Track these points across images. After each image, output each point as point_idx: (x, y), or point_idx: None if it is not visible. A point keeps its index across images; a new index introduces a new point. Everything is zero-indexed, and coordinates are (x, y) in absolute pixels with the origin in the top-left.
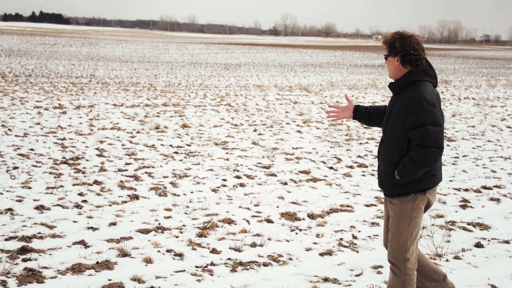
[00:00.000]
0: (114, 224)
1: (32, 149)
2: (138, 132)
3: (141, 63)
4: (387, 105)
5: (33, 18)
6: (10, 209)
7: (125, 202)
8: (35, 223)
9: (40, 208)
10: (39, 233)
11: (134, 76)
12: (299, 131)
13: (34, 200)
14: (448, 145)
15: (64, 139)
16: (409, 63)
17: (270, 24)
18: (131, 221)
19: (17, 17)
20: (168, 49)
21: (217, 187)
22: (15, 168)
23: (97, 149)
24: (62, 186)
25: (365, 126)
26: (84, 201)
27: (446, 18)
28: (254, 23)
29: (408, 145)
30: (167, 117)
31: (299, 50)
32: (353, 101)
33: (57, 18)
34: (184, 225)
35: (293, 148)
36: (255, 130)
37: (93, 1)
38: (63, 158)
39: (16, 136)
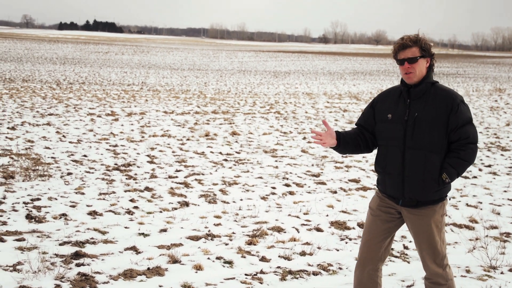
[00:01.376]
0: (164, 230)
1: (85, 156)
2: (188, 139)
3: (191, 70)
4: (396, 111)
5: (87, 26)
6: (64, 214)
7: (176, 208)
8: (88, 228)
9: (93, 213)
10: (92, 238)
11: (184, 84)
12: None
13: (87, 205)
14: (502, 154)
15: (116, 145)
16: (433, 64)
17: (320, 32)
18: (181, 228)
19: (72, 26)
20: (218, 57)
21: (267, 195)
22: (69, 174)
23: (148, 156)
24: (114, 192)
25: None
26: (136, 207)
27: (501, 25)
28: (304, 30)
29: (447, 147)
30: (217, 125)
31: (349, 58)
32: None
33: (110, 27)
34: (233, 233)
35: (342, 156)
36: (304, 138)
37: (145, 10)
38: (115, 164)
39: (70, 142)
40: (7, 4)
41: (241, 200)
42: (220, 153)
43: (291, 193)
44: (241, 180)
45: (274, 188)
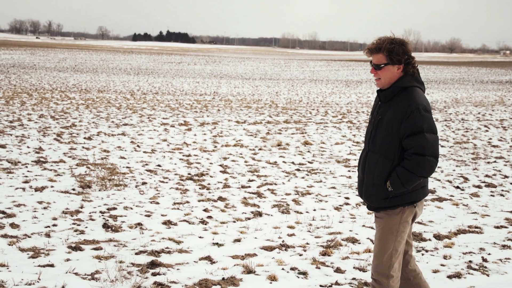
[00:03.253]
0: (238, 240)
1: (159, 165)
2: (260, 149)
3: (262, 80)
4: (373, 113)
5: (160, 37)
6: (139, 224)
7: (249, 218)
8: (163, 238)
9: (168, 223)
10: (167, 248)
11: (256, 93)
12: None
13: (162, 215)
14: None
15: (189, 155)
16: (409, 69)
17: None
18: (255, 238)
19: (146, 37)
20: (289, 66)
21: (340, 205)
22: (143, 183)
23: (220, 165)
24: (188, 202)
25: (493, 144)
26: (209, 217)
27: None
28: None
29: (401, 154)
30: (289, 134)
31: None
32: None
33: (183, 37)
34: (307, 243)
35: None
36: None
37: (217, 20)
38: (189, 174)
39: (144, 152)
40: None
41: (315, 210)
42: (293, 163)
43: (365, 203)
44: (314, 190)
45: (347, 198)
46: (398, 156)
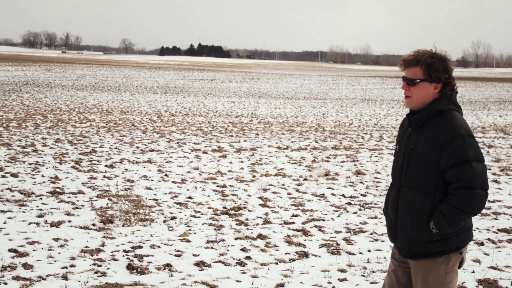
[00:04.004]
0: (281, 285)
1: (190, 197)
2: (305, 179)
3: (307, 100)
4: (401, 142)
5: (191, 51)
6: (168, 265)
7: (293, 260)
8: (195, 281)
9: (200, 264)
10: None
11: (300, 115)
12: (496, 181)
13: (194, 255)
14: None
15: (224, 186)
16: (449, 91)
17: (458, 54)
18: (301, 282)
19: (175, 51)
20: (337, 84)
21: None
22: (172, 218)
23: (260, 198)
24: (223, 240)
25: None
26: (248, 257)
27: None
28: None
29: (443, 189)
30: (338, 162)
31: (493, 84)
32: None
33: (216, 51)
34: None
35: (489, 201)
36: None
37: (255, 32)
38: (224, 208)
39: (173, 182)
40: (105, 28)
41: (369, 251)
42: (343, 195)
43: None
44: (368, 228)
45: None
46: (440, 191)
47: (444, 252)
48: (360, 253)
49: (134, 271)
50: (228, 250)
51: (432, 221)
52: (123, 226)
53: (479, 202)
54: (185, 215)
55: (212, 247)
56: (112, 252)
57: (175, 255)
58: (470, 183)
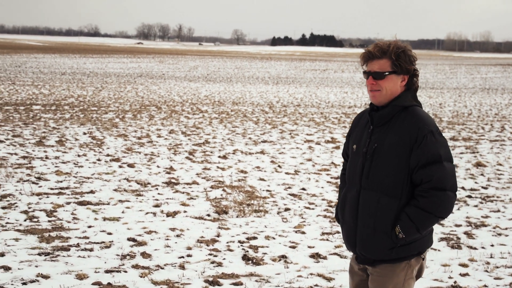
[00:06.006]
0: None
1: (303, 189)
2: None
3: (423, 89)
4: (360, 140)
5: (303, 41)
6: (283, 256)
7: None
8: (311, 273)
9: (316, 256)
10: (316, 285)
11: None
12: None
13: (309, 247)
14: None
15: (338, 177)
16: (414, 84)
17: None
18: (421, 277)
19: (286, 41)
20: (455, 73)
21: None
22: (286, 209)
23: None
24: (338, 232)
25: None
26: None
27: None
28: None
29: (410, 191)
30: (457, 154)
31: None
32: None
33: (328, 41)
34: (485, 286)
35: None
36: None
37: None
38: (338, 199)
39: (286, 173)
40: (217, 19)
41: (492, 246)
42: (463, 188)
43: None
44: (490, 222)
45: None
46: (406, 193)
47: (406, 257)
48: (483, 247)
49: (250, 262)
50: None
51: (398, 225)
52: (237, 217)
53: (449, 204)
54: (299, 207)
55: (327, 239)
56: (227, 242)
57: (290, 247)
58: (441, 184)
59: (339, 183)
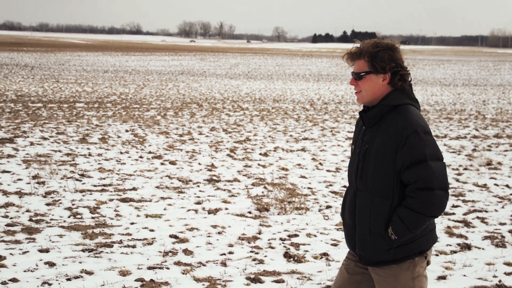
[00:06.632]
0: (443, 278)
1: (345, 186)
2: (465, 169)
3: (466, 86)
4: (356, 142)
5: (344, 38)
6: (325, 254)
7: (455, 252)
8: None
9: None
10: None
11: (458, 102)
12: None
13: None
14: None
15: None
16: (398, 82)
17: None
18: (464, 275)
19: (327, 38)
20: (499, 69)
21: None
22: (328, 207)
23: None
24: None
25: None
26: None
27: None
28: None
29: (401, 191)
30: (501, 151)
31: None
32: None
33: (369, 37)
34: None
35: None
36: None
37: (410, 17)
38: None
39: (327, 171)
40: (258, 17)
41: None
42: (507, 186)
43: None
44: None
45: None
46: (398, 194)
47: (407, 257)
48: None
49: (291, 259)
50: None
51: (390, 227)
52: (278, 214)
53: (438, 203)
54: (340, 204)
55: None
56: (268, 240)
57: (332, 244)
58: (428, 184)
59: None
